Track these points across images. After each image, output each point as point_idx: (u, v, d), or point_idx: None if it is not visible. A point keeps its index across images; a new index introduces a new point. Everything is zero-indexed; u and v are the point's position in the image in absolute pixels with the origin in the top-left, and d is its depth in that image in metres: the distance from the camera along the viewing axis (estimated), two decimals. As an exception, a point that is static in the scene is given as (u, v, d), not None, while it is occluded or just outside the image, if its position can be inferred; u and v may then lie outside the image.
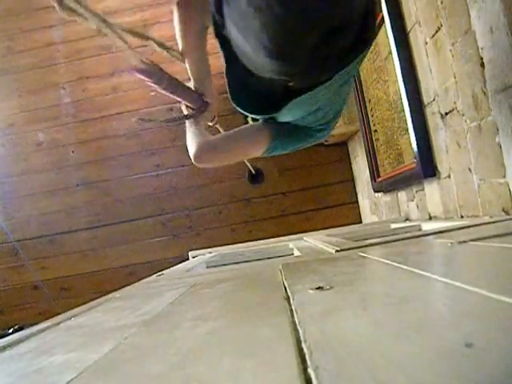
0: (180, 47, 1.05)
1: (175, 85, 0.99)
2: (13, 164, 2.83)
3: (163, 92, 0.98)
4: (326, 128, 1.06)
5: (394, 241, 0.89)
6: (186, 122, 1.09)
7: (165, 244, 2.75)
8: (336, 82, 0.78)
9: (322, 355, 0.26)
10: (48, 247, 2.77)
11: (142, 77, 0.89)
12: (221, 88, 1.05)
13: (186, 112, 1.09)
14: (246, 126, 1.11)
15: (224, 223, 2.74)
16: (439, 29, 1.17)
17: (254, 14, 0.57)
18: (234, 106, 0.89)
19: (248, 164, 2.43)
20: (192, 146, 1.04)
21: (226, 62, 0.79)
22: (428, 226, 1.25)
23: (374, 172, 2.02)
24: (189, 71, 1.06)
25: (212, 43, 0.87)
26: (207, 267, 1.36)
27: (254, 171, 2.58)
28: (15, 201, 2.81)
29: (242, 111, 0.92)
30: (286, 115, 0.95)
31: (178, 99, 1.03)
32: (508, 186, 0.95)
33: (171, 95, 1.00)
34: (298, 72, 0.66)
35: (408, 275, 0.48)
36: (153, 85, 0.93)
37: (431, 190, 1.43)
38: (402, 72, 1.41)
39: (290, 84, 0.73)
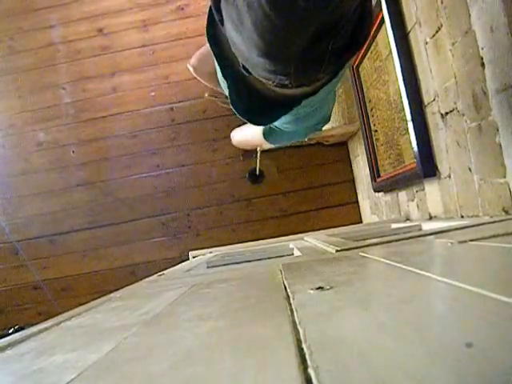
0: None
1: None
2: (13, 164, 2.83)
3: None
4: (320, 122, 1.08)
5: (395, 241, 0.89)
6: None
7: (165, 244, 2.75)
8: (335, 82, 0.77)
9: (322, 355, 0.26)
10: (48, 247, 2.77)
11: None
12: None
13: None
14: None
15: (224, 223, 2.74)
16: (439, 29, 1.17)
17: (246, 12, 0.57)
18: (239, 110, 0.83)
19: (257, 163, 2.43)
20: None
21: (219, 64, 0.79)
22: (428, 226, 1.25)
23: (374, 172, 2.01)
24: None
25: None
26: (207, 267, 1.36)
27: (258, 172, 2.58)
28: (15, 201, 2.81)
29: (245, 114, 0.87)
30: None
31: None
32: (508, 185, 0.95)
33: None
34: (292, 72, 0.66)
35: (408, 275, 0.48)
36: None
37: (431, 189, 1.43)
38: (402, 72, 1.41)
39: (286, 83, 0.73)
